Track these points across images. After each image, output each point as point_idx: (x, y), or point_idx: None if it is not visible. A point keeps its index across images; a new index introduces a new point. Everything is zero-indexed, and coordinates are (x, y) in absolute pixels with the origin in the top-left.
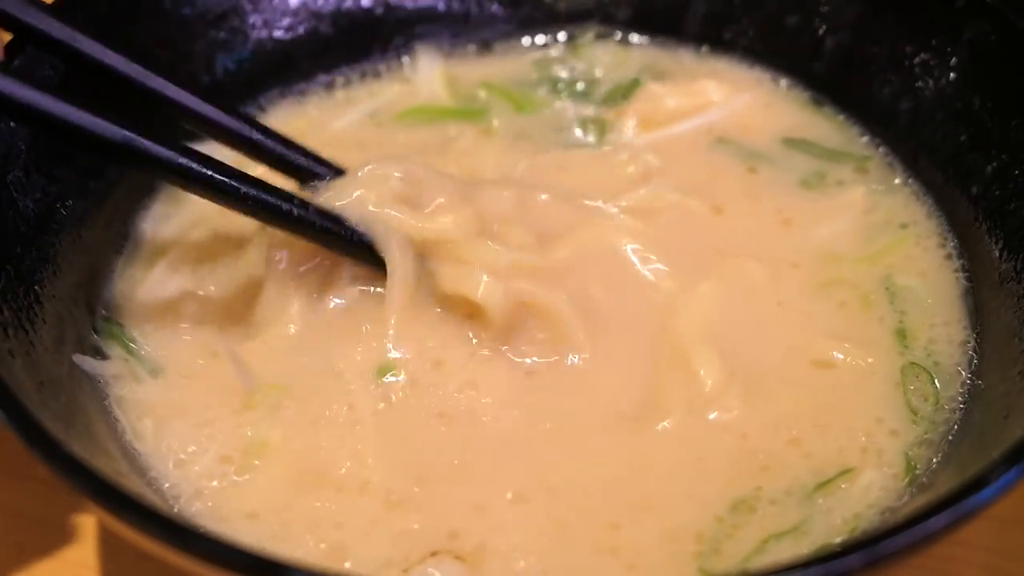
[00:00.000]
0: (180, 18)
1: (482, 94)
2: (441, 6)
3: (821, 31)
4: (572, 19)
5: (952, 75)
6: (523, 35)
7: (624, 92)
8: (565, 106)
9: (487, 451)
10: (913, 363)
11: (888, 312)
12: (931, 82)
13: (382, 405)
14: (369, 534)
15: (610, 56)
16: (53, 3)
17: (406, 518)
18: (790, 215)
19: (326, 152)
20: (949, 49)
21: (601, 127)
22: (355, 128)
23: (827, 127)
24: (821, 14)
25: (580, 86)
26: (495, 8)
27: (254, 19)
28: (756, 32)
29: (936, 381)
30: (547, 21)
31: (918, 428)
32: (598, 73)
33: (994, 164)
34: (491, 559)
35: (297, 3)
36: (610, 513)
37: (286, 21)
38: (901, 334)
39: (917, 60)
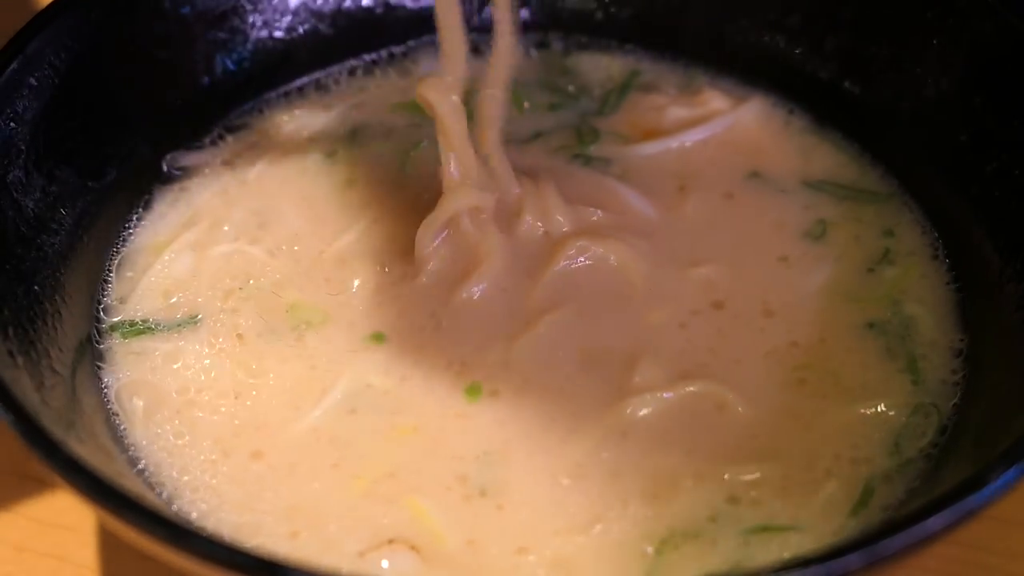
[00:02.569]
0: (180, 18)
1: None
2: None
3: (820, 32)
4: (573, 21)
5: (952, 75)
6: (525, 38)
7: (617, 100)
8: (562, 111)
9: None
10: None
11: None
12: (931, 82)
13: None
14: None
15: (606, 64)
16: (53, 2)
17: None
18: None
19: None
20: (949, 49)
21: (595, 135)
22: (353, 123)
23: (831, 150)
24: (820, 14)
25: (572, 89)
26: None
27: (254, 19)
28: (755, 31)
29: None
30: (548, 23)
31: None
32: (595, 80)
33: (994, 164)
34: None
35: (297, 3)
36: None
37: (286, 21)
38: (912, 369)
39: (917, 60)
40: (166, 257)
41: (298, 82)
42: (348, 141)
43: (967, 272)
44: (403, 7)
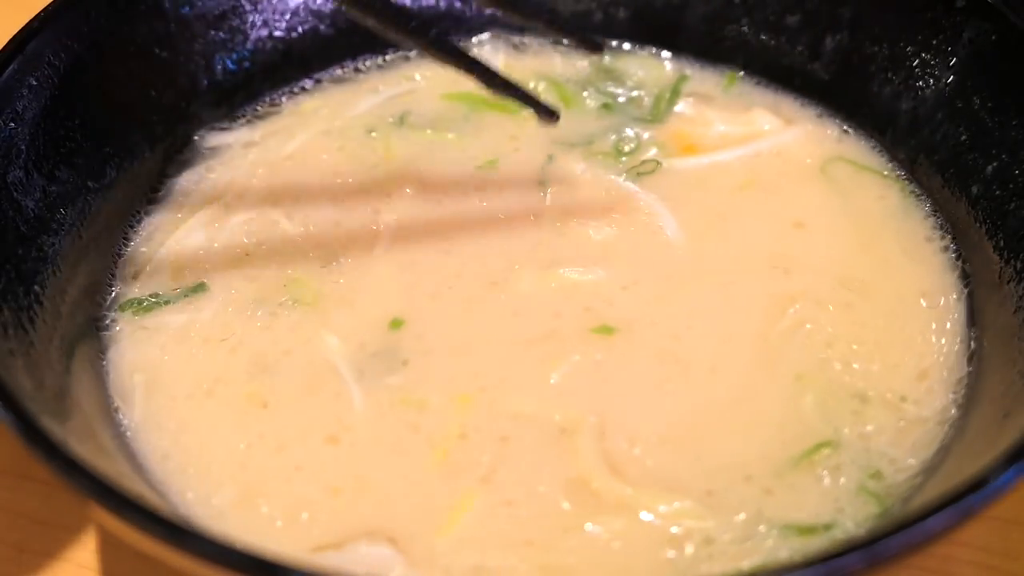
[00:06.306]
0: (180, 18)
1: (533, 84)
2: (442, 6)
3: (820, 31)
4: (573, 20)
5: (952, 75)
6: (553, 38)
7: (664, 111)
8: (610, 116)
9: None
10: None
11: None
12: (931, 82)
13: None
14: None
15: (646, 70)
16: (54, 3)
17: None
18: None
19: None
20: (949, 49)
21: (637, 145)
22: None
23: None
24: (820, 14)
25: (620, 92)
26: (495, 9)
27: (254, 19)
28: (754, 31)
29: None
30: (547, 23)
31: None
32: (635, 85)
33: (994, 164)
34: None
35: (297, 3)
36: None
37: (286, 21)
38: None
39: (917, 60)
40: (179, 233)
41: (298, 84)
42: (395, 124)
43: (966, 272)
44: (403, 7)
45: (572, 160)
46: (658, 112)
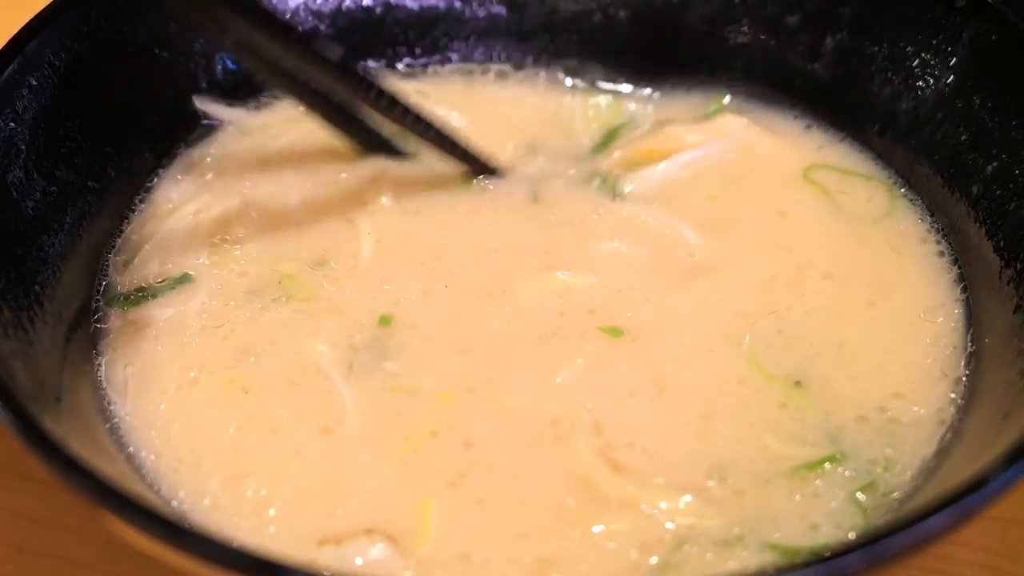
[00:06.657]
0: (180, 18)
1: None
2: (442, 6)
3: (820, 31)
4: (573, 19)
5: (952, 75)
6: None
7: (614, 134)
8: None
9: None
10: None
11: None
12: (931, 82)
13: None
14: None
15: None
16: (54, 3)
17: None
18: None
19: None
20: (949, 49)
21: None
22: None
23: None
24: (820, 14)
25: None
26: (497, 9)
27: None
28: (754, 31)
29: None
30: (548, 21)
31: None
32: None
33: (994, 164)
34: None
35: (297, 3)
36: None
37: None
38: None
39: (917, 60)
40: (170, 223)
41: None
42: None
43: (967, 272)
44: (403, 7)
45: (558, 166)
46: (610, 138)
